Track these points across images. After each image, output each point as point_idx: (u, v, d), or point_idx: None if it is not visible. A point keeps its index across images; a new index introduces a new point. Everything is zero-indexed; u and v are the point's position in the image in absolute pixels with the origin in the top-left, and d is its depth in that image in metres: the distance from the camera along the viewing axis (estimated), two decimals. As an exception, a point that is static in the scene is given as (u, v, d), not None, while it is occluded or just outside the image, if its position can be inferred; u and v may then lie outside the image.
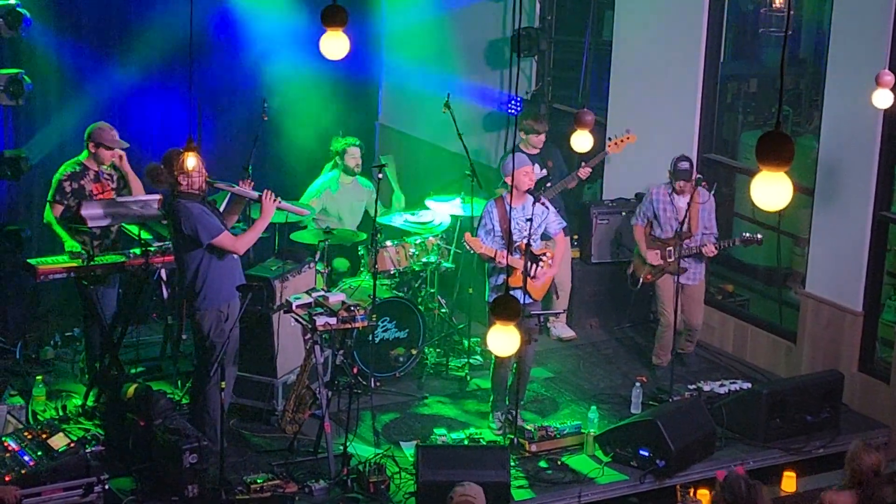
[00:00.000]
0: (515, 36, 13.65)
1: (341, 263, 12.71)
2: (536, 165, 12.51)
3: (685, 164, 11.53)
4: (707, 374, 12.02)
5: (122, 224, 11.12)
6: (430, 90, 14.07)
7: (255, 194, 10.17)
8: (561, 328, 12.89)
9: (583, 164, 12.48)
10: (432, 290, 12.39)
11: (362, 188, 12.99)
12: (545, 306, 11.91)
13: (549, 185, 12.45)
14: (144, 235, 11.00)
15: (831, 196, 11.56)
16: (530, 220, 10.55)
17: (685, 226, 11.51)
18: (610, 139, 12.51)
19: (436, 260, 12.11)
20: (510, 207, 10.50)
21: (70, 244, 10.88)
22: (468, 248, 10.75)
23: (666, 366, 11.67)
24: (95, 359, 11.06)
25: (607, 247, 13.08)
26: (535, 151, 12.53)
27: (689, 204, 11.55)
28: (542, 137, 12.57)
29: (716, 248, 11.64)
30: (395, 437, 10.76)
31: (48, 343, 12.02)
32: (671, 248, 11.61)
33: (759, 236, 11.79)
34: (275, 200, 10.13)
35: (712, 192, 11.77)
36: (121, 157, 11.14)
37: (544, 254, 10.82)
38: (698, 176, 11.83)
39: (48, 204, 11.08)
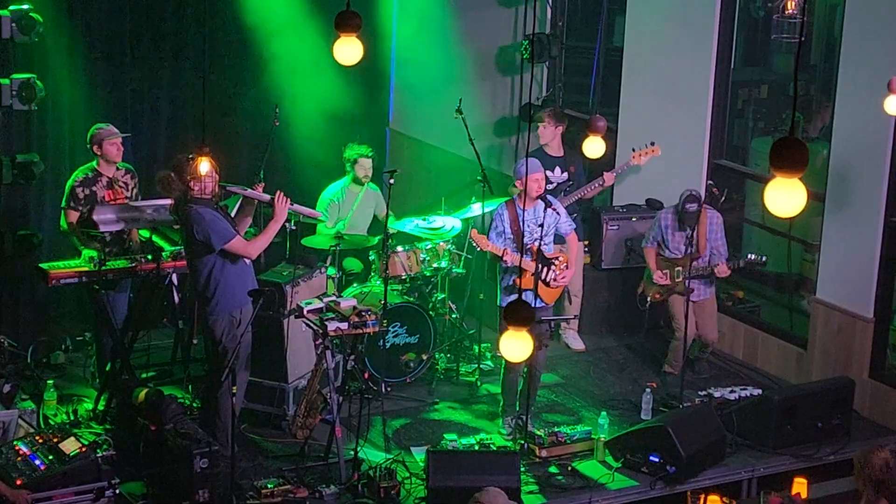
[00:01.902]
0: (527, 41, 13.64)
1: (354, 264, 12.72)
2: (558, 168, 12.51)
3: (693, 207, 11.46)
4: (718, 380, 12.01)
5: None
6: (441, 95, 14.08)
7: (267, 197, 10.18)
8: (572, 337, 12.87)
9: (609, 171, 12.53)
10: (443, 296, 12.39)
11: (371, 193, 13.00)
12: (557, 311, 11.90)
13: (570, 184, 12.45)
14: (156, 240, 11.03)
15: (842, 202, 11.55)
16: (541, 225, 10.55)
17: (692, 248, 11.49)
18: (634, 149, 12.50)
19: (447, 265, 12.11)
20: (522, 211, 10.50)
21: (86, 252, 10.89)
22: (475, 244, 10.75)
23: (678, 374, 11.65)
24: (106, 363, 11.07)
25: (618, 252, 13.07)
26: (553, 153, 12.53)
27: (695, 226, 11.52)
28: (549, 131, 12.49)
29: (729, 268, 11.62)
30: (406, 443, 10.76)
31: (59, 347, 12.04)
32: (680, 268, 11.61)
33: (765, 258, 11.81)
34: (287, 203, 10.14)
35: (723, 198, 11.77)
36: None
37: (556, 257, 10.83)
38: (709, 182, 11.82)
39: (62, 211, 11.10)
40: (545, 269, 10.74)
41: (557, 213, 10.86)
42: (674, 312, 11.83)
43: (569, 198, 12.27)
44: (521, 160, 10.54)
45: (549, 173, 12.12)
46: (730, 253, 11.80)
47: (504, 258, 10.62)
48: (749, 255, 11.85)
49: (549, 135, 12.58)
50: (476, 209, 12.44)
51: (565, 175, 12.54)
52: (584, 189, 12.48)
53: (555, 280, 10.81)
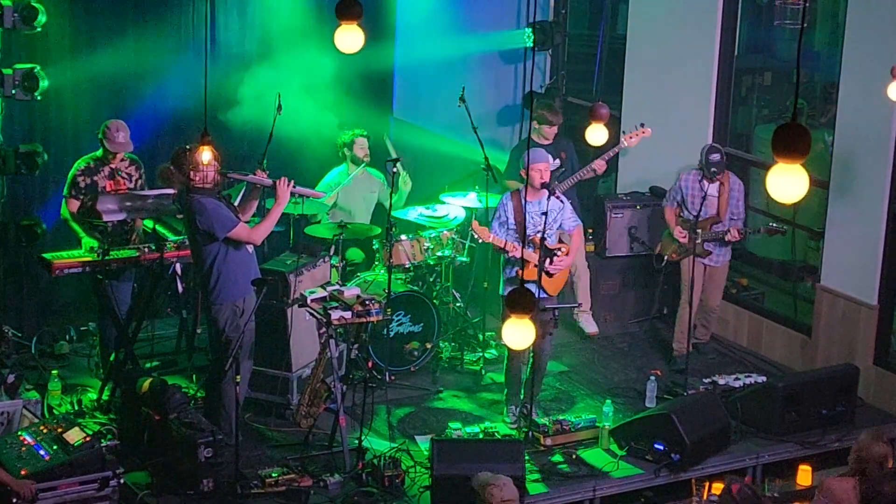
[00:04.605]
0: (530, 31, 13.64)
1: (356, 254, 12.71)
2: (549, 156, 12.47)
3: (716, 157, 11.54)
4: (722, 367, 12.01)
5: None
6: (444, 84, 14.06)
7: (269, 181, 10.18)
8: (585, 320, 12.80)
9: (599, 158, 12.48)
10: (447, 284, 12.39)
11: (374, 179, 13.01)
12: (561, 300, 11.87)
13: (562, 170, 12.41)
14: (160, 230, 11.03)
15: (846, 189, 11.54)
16: (545, 213, 10.52)
17: (711, 210, 11.53)
18: (624, 132, 12.47)
19: (450, 254, 12.10)
20: (525, 201, 10.49)
21: (86, 241, 10.90)
22: (476, 236, 10.74)
23: (685, 354, 11.61)
24: (110, 353, 11.08)
25: (622, 240, 13.06)
26: (548, 142, 12.49)
27: (718, 189, 11.57)
28: (555, 130, 12.52)
29: (740, 234, 11.64)
30: (410, 431, 10.77)
31: (63, 337, 12.05)
32: (700, 230, 11.60)
33: (784, 228, 11.83)
34: (289, 186, 10.13)
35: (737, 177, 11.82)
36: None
37: (559, 249, 10.81)
38: (713, 170, 11.81)
39: (64, 199, 11.11)
40: (547, 260, 10.72)
41: (562, 202, 10.84)
42: (684, 276, 11.84)
43: (564, 184, 12.25)
44: (521, 150, 10.53)
45: None
46: (745, 228, 11.82)
47: (507, 249, 10.60)
48: (771, 224, 11.87)
49: (552, 133, 12.52)
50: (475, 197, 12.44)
51: (557, 162, 12.49)
52: (577, 175, 12.45)
53: (553, 267, 10.78)
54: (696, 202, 11.69)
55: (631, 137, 12.42)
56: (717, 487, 9.82)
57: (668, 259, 12.01)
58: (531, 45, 13.48)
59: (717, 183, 11.65)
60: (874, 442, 8.17)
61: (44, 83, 11.61)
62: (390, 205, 12.06)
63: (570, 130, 12.86)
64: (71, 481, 9.11)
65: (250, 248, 10.13)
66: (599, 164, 12.47)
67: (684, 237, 11.80)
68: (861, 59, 11.28)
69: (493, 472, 8.71)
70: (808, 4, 11.46)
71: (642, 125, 12.35)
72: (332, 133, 13.26)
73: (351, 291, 10.26)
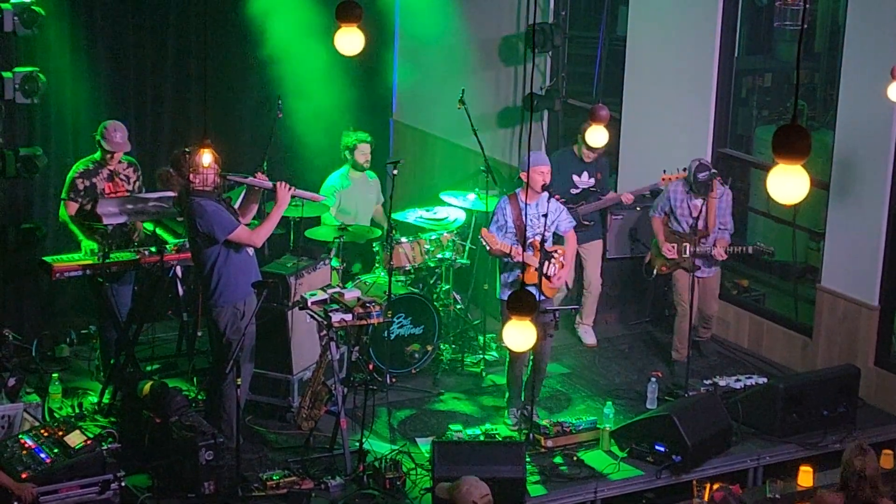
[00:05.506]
0: (529, 31, 13.62)
1: (355, 267, 12.70)
2: (585, 174, 12.40)
3: (703, 176, 11.44)
4: (723, 368, 12.00)
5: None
6: (444, 86, 14.05)
7: (270, 184, 10.16)
8: (584, 331, 12.78)
9: (629, 191, 12.45)
10: (447, 287, 12.38)
11: (370, 181, 12.99)
12: (561, 303, 11.88)
13: (594, 191, 12.35)
14: (160, 233, 11.02)
15: (847, 190, 11.53)
16: (545, 215, 10.51)
17: (699, 223, 11.47)
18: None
19: (451, 256, 12.10)
20: (525, 205, 10.47)
21: (86, 243, 10.91)
22: (484, 243, 10.72)
23: (685, 361, 11.62)
24: (111, 356, 11.08)
25: (623, 242, 13.04)
26: (587, 159, 12.37)
27: (705, 201, 11.52)
28: (594, 154, 12.37)
29: (726, 252, 11.61)
30: (411, 434, 10.76)
31: (64, 340, 12.04)
32: (687, 244, 11.59)
33: (772, 248, 11.79)
34: (289, 189, 10.12)
35: (727, 186, 11.76)
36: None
37: (555, 250, 10.80)
38: (713, 171, 11.81)
39: (62, 202, 11.12)
40: (546, 263, 10.71)
41: (560, 206, 10.84)
42: (678, 288, 11.84)
43: (588, 207, 12.23)
44: (534, 153, 10.53)
45: (576, 178, 12.13)
46: (734, 239, 11.78)
47: (512, 254, 10.58)
48: (757, 244, 11.83)
49: (590, 156, 12.38)
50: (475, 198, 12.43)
51: (592, 181, 12.42)
52: (602, 201, 12.41)
53: (554, 276, 10.77)
54: (685, 215, 11.67)
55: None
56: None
57: (657, 272, 11.98)
58: (531, 46, 13.46)
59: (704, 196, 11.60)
60: (853, 456, 8.33)
61: (44, 86, 11.60)
62: (390, 207, 12.05)
63: (570, 132, 12.82)
64: (72, 484, 9.12)
65: (251, 251, 10.13)
66: (627, 197, 12.42)
67: (672, 253, 11.78)
68: (861, 59, 11.27)
69: (494, 475, 8.71)
70: (807, 6, 11.43)
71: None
72: (333, 136, 13.25)
73: (351, 294, 10.26)
